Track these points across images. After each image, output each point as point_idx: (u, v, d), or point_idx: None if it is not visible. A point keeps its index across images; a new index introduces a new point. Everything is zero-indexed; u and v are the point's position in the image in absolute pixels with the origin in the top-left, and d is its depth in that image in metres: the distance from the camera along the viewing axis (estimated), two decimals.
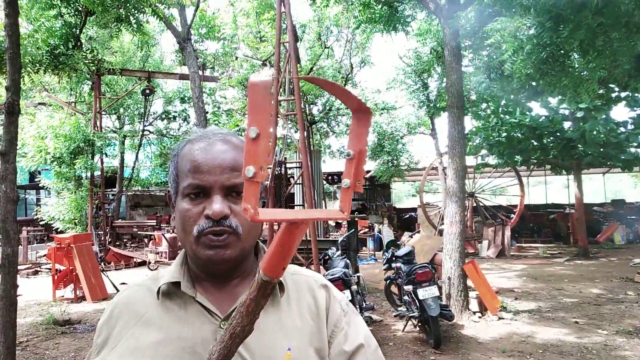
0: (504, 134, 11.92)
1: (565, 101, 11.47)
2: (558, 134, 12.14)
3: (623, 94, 11.47)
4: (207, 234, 0.89)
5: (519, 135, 12.11)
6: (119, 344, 0.92)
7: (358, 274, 7.26)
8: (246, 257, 0.97)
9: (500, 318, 6.88)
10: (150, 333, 0.91)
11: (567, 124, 12.74)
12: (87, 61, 12.11)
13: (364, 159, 0.62)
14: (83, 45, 11.84)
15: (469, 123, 13.44)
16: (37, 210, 15.97)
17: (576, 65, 7.87)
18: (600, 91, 11.61)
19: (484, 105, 12.52)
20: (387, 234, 13.79)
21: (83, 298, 8.91)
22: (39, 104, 17.62)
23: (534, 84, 10.60)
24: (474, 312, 7.01)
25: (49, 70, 10.01)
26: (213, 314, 0.92)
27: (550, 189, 23.42)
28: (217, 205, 0.88)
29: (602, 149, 12.12)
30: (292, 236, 0.63)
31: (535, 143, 12.43)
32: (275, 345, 0.90)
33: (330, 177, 19.95)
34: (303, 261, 8.78)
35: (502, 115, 11.95)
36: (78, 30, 10.41)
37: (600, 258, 13.14)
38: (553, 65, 6.91)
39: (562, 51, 7.02)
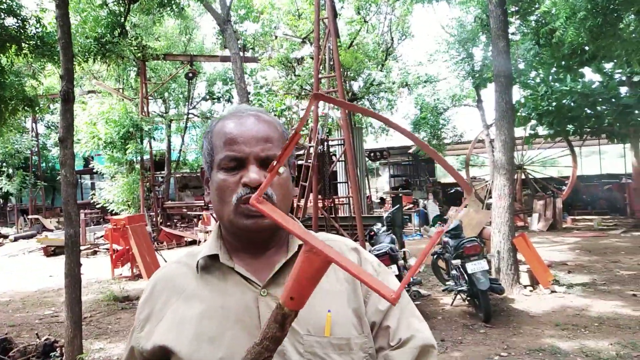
0: (554, 103, 11.38)
1: (618, 66, 10.83)
2: (613, 100, 11.49)
3: None
4: (245, 202, 0.92)
5: (571, 103, 11.54)
6: (163, 318, 0.97)
7: (404, 249, 7.26)
8: (279, 228, 1.00)
9: (552, 291, 6.72)
10: (193, 305, 0.95)
11: (623, 90, 12.04)
12: (132, 48, 12.44)
13: (437, 239, 0.65)
14: (128, 33, 12.15)
15: (517, 93, 12.94)
16: (92, 194, 16.75)
17: (631, 28, 7.40)
18: None
19: (532, 74, 11.99)
20: (433, 209, 13.64)
21: (139, 276, 9.35)
22: (89, 91, 18.31)
23: (586, 49, 10.08)
24: (525, 286, 6.88)
25: (98, 59, 10.36)
26: (252, 282, 0.96)
27: (604, 158, 22.29)
28: (254, 174, 0.93)
29: None
30: (304, 263, 0.63)
31: (588, 111, 11.83)
32: (317, 308, 0.93)
33: (372, 154, 19.78)
34: (348, 237, 8.84)
35: (552, 83, 11.40)
36: (123, 18, 10.67)
37: None
38: (606, 30, 6.53)
39: (616, 14, 6.62)
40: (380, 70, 14.89)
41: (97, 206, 17.26)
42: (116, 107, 14.28)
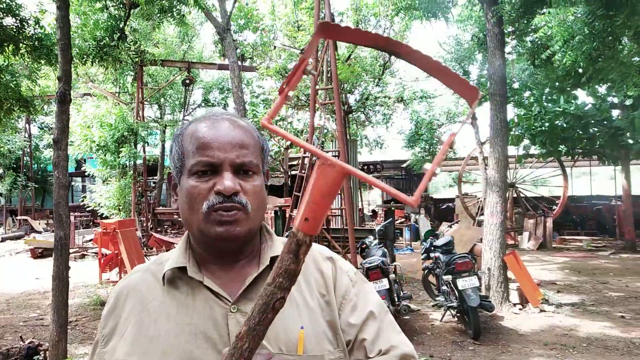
0: (547, 123, 11.52)
1: (613, 89, 10.99)
2: (605, 122, 11.66)
3: None
4: (217, 210, 0.88)
5: (563, 124, 11.69)
6: (126, 331, 0.91)
7: (395, 263, 7.26)
8: (253, 237, 0.97)
9: (541, 310, 6.73)
10: (159, 323, 0.90)
11: (615, 112, 12.21)
12: (130, 52, 12.44)
13: (450, 141, 0.58)
14: (127, 37, 12.16)
15: (511, 112, 13.08)
16: (83, 197, 16.63)
17: (626, 52, 7.53)
18: None
19: (527, 94, 12.14)
20: (424, 224, 13.66)
21: None
22: (85, 94, 18.26)
23: (580, 71, 10.22)
24: (515, 304, 6.89)
25: (96, 62, 10.35)
26: (222, 297, 0.90)
27: (595, 180, 22.52)
28: (229, 181, 0.88)
29: None
30: (319, 178, 0.56)
31: (580, 132, 11.98)
32: (289, 325, 0.89)
33: (366, 167, 19.85)
34: (340, 249, 8.82)
35: (545, 104, 11.55)
36: (122, 23, 10.69)
37: None
38: (603, 53, 6.64)
39: (611, 37, 6.74)
40: (377, 85, 15.00)
41: (88, 209, 17.12)
42: (112, 111, 14.24)
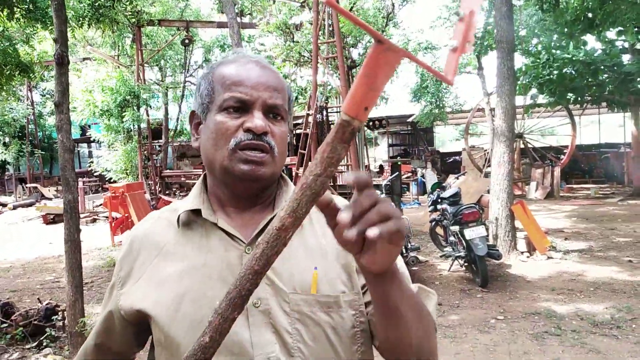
0: (556, 71, 11.24)
1: (623, 33, 10.65)
2: (615, 68, 11.36)
3: None
4: (244, 148, 0.87)
5: (572, 71, 11.40)
6: (143, 275, 0.92)
7: (404, 217, 7.28)
8: (272, 183, 0.97)
9: (549, 257, 6.80)
10: (174, 263, 0.91)
11: (625, 57, 11.89)
12: (126, 13, 12.17)
13: (475, 19, 0.55)
14: None
15: (519, 61, 12.77)
16: (90, 162, 16.71)
17: None
18: None
19: (534, 41, 11.81)
20: (431, 178, 13.66)
21: None
22: (84, 59, 18.02)
23: (589, 15, 9.89)
24: (522, 252, 6.96)
25: (92, 24, 10.16)
26: (236, 239, 0.91)
27: (603, 128, 22.24)
28: (260, 120, 0.87)
29: None
30: (379, 62, 0.53)
31: (589, 79, 11.70)
32: (302, 265, 0.89)
33: (371, 123, 19.67)
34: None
35: (553, 51, 11.24)
36: None
37: None
38: None
39: None
40: None
41: (96, 174, 17.25)
42: (112, 75, 14.08)
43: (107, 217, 10.97)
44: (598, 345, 3.97)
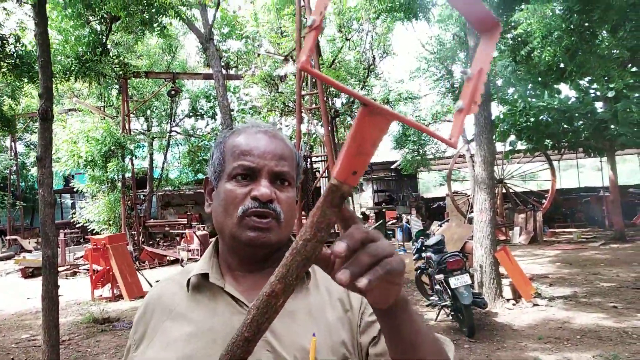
0: (532, 119, 11.62)
1: (595, 82, 11.12)
2: (589, 115, 11.79)
3: None
4: (251, 215, 0.91)
5: (548, 118, 11.80)
6: (154, 338, 0.94)
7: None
8: (280, 249, 0.98)
9: (534, 305, 6.78)
10: (182, 326, 0.93)
11: (598, 104, 12.35)
12: (113, 66, 12.40)
13: (483, 79, 0.54)
14: (109, 51, 12.12)
15: (496, 109, 13.19)
16: (72, 213, 16.49)
17: (605, 45, 7.65)
18: (633, 69, 11.23)
19: (510, 90, 12.25)
20: (416, 224, 13.71)
21: (120, 296, 9.17)
22: (70, 110, 18.14)
23: (562, 65, 10.34)
24: (508, 300, 6.93)
25: (79, 77, 10.31)
26: (242, 303, 0.92)
27: (582, 172, 22.78)
28: (266, 188, 0.91)
29: (636, 129, 11.70)
30: (366, 126, 0.53)
31: (565, 126, 12.10)
32: (302, 330, 0.90)
33: None
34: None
35: (529, 99, 11.66)
36: (104, 37, 10.66)
37: (637, 241, 12.77)
38: (582, 48, 6.75)
39: (590, 31, 6.84)
40: (362, 88, 15.07)
41: (77, 226, 16.97)
42: (98, 125, 14.16)
43: (87, 270, 10.72)
44: None
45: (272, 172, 0.94)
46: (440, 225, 9.83)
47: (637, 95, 11.54)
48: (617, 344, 5.12)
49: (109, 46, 11.92)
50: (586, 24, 6.39)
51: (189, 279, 0.97)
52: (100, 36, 10.77)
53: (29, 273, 13.07)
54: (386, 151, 19.64)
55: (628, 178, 21.64)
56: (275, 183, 0.95)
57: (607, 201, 15.46)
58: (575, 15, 5.71)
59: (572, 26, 6.00)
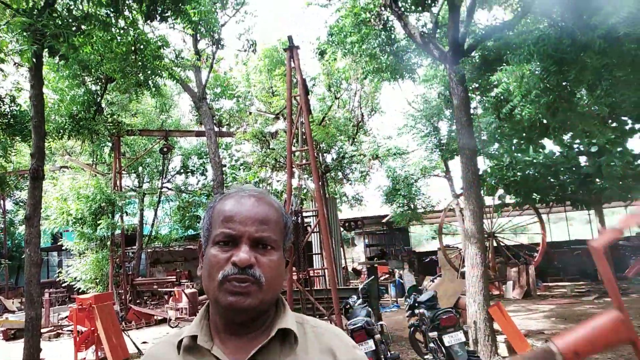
0: (519, 173, 11.84)
1: (577, 137, 11.45)
2: (574, 169, 12.04)
3: (637, 126, 11.42)
4: (231, 280, 0.94)
5: (535, 173, 12.02)
6: None
7: (381, 322, 7.13)
8: (266, 310, 1.01)
9: None
10: None
11: (582, 159, 12.64)
12: (107, 124, 12.58)
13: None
14: (104, 110, 12.34)
15: (482, 163, 13.43)
16: (59, 272, 16.14)
17: (585, 102, 7.95)
18: (613, 124, 11.62)
19: (495, 145, 12.53)
20: (408, 279, 13.55)
21: (105, 359, 8.84)
22: (61, 167, 18.18)
23: (545, 121, 10.67)
24: (504, 357, 6.78)
25: (72, 136, 10.43)
26: None
27: (572, 225, 22.94)
28: (244, 254, 0.95)
29: (621, 182, 11.93)
30: (617, 336, 0.53)
31: (552, 180, 12.32)
32: None
33: (347, 224, 19.87)
34: (324, 311, 8.67)
35: (515, 154, 11.92)
36: (99, 97, 10.90)
37: (631, 294, 12.68)
38: (561, 106, 7.01)
39: (567, 90, 7.13)
40: (352, 144, 15.35)
41: (63, 285, 16.56)
42: (89, 183, 14.17)
43: (72, 331, 10.37)
44: None
45: (252, 238, 0.97)
46: (433, 281, 9.75)
47: (619, 149, 11.88)
48: None
49: (103, 105, 12.16)
50: (564, 83, 6.66)
51: (180, 341, 1.00)
52: (95, 96, 11.00)
53: (10, 335, 12.61)
54: (377, 205, 19.75)
55: None
56: (257, 248, 0.98)
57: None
58: (552, 75, 5.97)
59: (549, 85, 6.25)
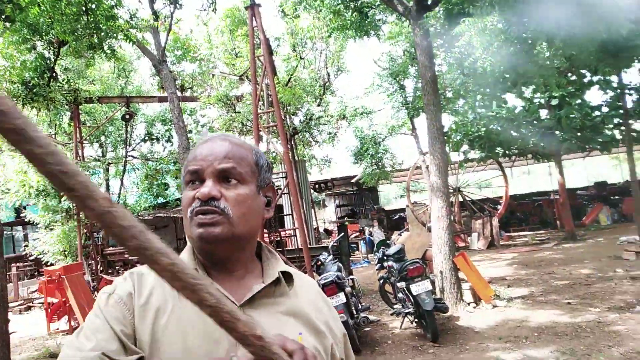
0: (483, 128, 12.13)
1: (537, 90, 11.73)
2: (535, 122, 12.39)
3: (595, 78, 11.77)
4: (197, 214, 0.95)
5: (498, 127, 12.33)
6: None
7: (352, 277, 7.34)
8: (243, 247, 1.02)
9: (494, 306, 6.98)
10: (172, 315, 0.93)
11: (543, 112, 13.00)
12: (63, 92, 12.08)
13: None
14: (58, 77, 11.82)
15: (448, 120, 13.64)
16: (25, 246, 15.79)
17: (546, 55, 8.11)
18: (572, 77, 11.93)
19: (460, 102, 12.73)
20: (378, 236, 13.89)
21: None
22: None
23: (507, 76, 10.86)
24: (469, 303, 7.11)
25: (26, 104, 10.00)
26: (229, 299, 0.93)
27: (533, 177, 23.80)
28: (205, 188, 0.95)
29: (579, 134, 12.38)
30: None
31: (514, 134, 12.67)
32: (289, 329, 0.95)
33: (317, 186, 20.00)
34: (296, 269, 8.82)
35: (479, 110, 12.16)
36: (52, 62, 10.41)
37: (588, 240, 13.38)
38: (522, 58, 7.14)
39: (529, 42, 7.25)
40: (319, 105, 15.27)
41: (31, 258, 16.24)
42: None
43: (42, 303, 10.27)
44: None
45: (215, 171, 0.97)
46: (400, 234, 10.02)
47: (578, 101, 12.24)
48: (573, 338, 5.34)
49: (57, 71, 11.63)
50: (524, 35, 6.76)
51: None
52: (49, 61, 10.51)
53: None
54: (346, 166, 19.90)
55: (576, 181, 22.72)
56: (223, 182, 0.98)
57: (557, 204, 16.16)
58: (512, 26, 6.05)
59: (510, 37, 6.34)
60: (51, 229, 14.22)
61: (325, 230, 19.54)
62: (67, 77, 12.92)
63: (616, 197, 18.14)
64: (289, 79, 14.05)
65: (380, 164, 15.73)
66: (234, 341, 0.84)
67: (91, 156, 19.15)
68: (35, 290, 13.74)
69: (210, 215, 0.95)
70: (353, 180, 20.85)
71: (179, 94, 12.62)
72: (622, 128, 11.42)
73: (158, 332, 0.92)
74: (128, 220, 0.54)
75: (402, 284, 5.98)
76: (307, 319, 1.00)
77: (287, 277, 1.03)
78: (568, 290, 7.63)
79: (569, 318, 6.10)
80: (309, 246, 8.91)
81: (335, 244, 7.81)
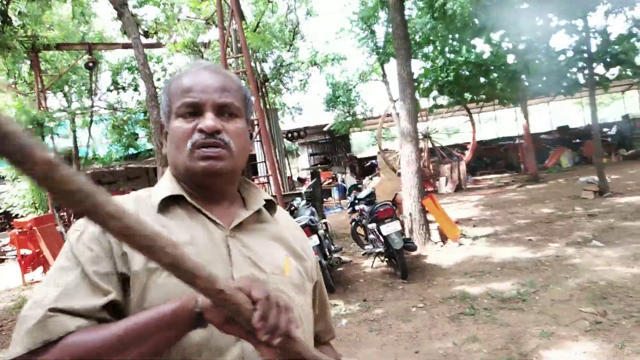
0: (452, 73, 12.22)
1: (507, 35, 11.79)
2: (503, 67, 12.53)
3: (562, 22, 11.86)
4: (200, 147, 0.94)
5: (467, 72, 12.43)
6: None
7: (325, 221, 7.56)
8: (235, 180, 1.06)
9: (460, 245, 7.32)
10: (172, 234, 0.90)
11: (511, 57, 13.13)
12: (20, 37, 11.48)
13: None
14: (13, 22, 11.20)
15: (418, 66, 13.65)
16: None
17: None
18: (540, 22, 11.99)
19: (430, 47, 12.72)
20: (350, 182, 14.14)
21: None
22: None
23: (476, 21, 10.86)
24: (436, 242, 7.45)
25: None
26: (218, 224, 0.96)
27: (500, 123, 24.34)
28: (210, 120, 0.94)
29: (545, 78, 12.60)
30: None
31: (482, 79, 12.81)
32: (276, 252, 1.02)
33: (290, 134, 19.97)
34: None
35: (448, 55, 12.20)
36: (4, 5, 9.85)
37: (549, 181, 13.96)
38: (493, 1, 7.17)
39: None
40: (289, 51, 15.00)
41: (0, 212, 15.95)
42: (10, 104, 13.19)
43: (15, 255, 10.22)
44: (507, 319, 4.32)
45: (216, 104, 0.96)
46: (371, 179, 10.26)
47: (545, 46, 12.37)
48: (533, 271, 5.67)
49: (11, 16, 11.01)
50: None
51: (163, 199, 0.96)
52: (1, 6, 9.94)
53: None
54: (318, 114, 19.85)
55: (541, 126, 23.32)
56: (223, 116, 0.97)
57: (522, 148, 16.68)
58: None
59: None
60: (19, 182, 13.94)
61: (299, 178, 19.69)
62: (23, 22, 12.25)
63: (578, 141, 18.80)
64: (257, 24, 13.69)
65: (352, 111, 15.75)
66: (229, 267, 0.92)
67: (56, 107, 18.50)
68: (7, 244, 13.60)
69: (216, 148, 0.95)
70: (325, 129, 20.87)
71: (143, 40, 12.17)
72: (586, 72, 11.66)
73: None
74: (73, 184, 0.49)
75: (372, 225, 6.21)
76: (288, 244, 1.07)
77: (270, 205, 1.09)
78: (530, 228, 8.02)
79: (530, 254, 6.43)
80: (282, 193, 9.05)
81: (309, 189, 7.96)
